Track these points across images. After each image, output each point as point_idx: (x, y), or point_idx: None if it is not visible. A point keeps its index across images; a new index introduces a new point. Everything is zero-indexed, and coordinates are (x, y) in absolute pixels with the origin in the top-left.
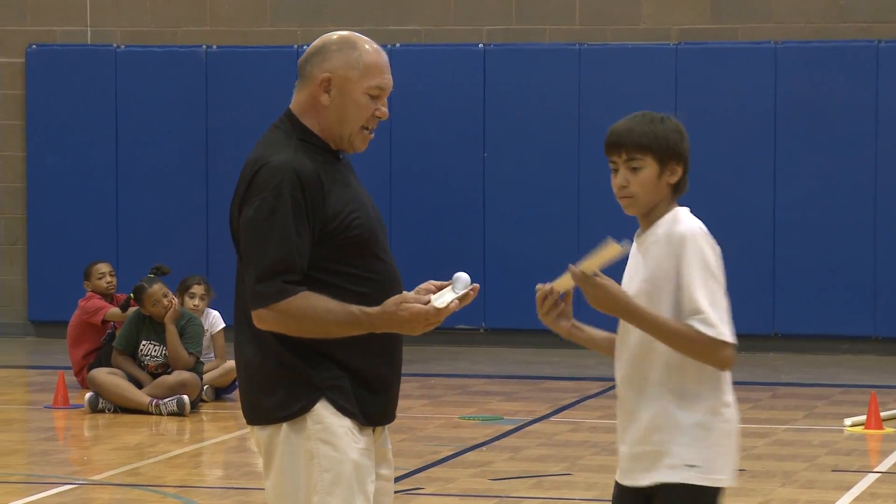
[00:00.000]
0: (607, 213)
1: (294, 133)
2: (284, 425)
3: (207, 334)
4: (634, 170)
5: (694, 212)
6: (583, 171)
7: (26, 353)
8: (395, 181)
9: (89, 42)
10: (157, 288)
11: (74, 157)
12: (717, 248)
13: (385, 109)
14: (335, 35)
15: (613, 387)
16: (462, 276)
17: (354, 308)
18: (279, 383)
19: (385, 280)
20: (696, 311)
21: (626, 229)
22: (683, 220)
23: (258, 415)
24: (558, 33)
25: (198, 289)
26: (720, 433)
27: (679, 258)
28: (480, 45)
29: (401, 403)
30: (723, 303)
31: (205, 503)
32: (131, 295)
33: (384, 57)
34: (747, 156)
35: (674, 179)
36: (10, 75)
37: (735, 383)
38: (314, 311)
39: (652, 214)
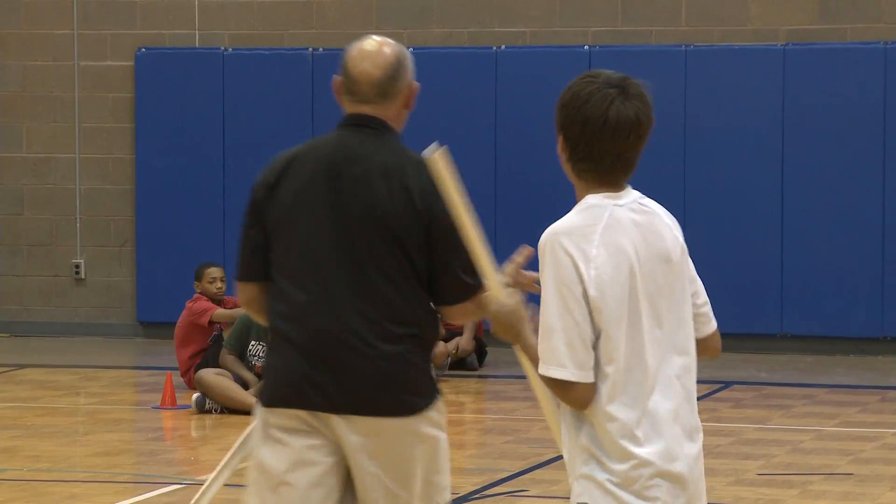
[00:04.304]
0: (713, 213)
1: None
2: (422, 415)
3: None
4: None
5: (801, 212)
6: (688, 174)
7: (135, 353)
8: (499, 183)
9: (197, 45)
10: None
11: (183, 160)
12: (573, 247)
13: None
14: None
15: (719, 389)
16: None
17: None
18: (424, 377)
19: None
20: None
21: (728, 230)
22: (566, 216)
23: (404, 407)
24: (664, 34)
25: None
26: None
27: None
28: (586, 47)
29: (505, 405)
30: (558, 331)
31: None
32: None
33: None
34: (856, 157)
35: (562, 155)
36: (120, 78)
37: (844, 386)
38: None
39: None
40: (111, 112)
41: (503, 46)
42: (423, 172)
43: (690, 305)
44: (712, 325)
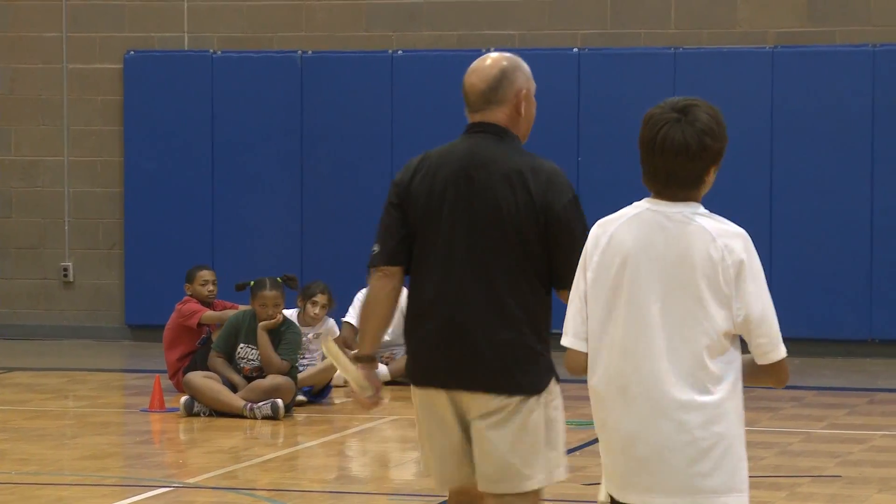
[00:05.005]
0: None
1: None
2: (537, 395)
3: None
4: None
5: (790, 215)
6: None
7: (123, 356)
8: None
9: (186, 48)
10: (274, 295)
11: (171, 162)
12: (594, 235)
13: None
14: None
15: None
16: None
17: None
18: (541, 361)
19: None
20: None
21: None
22: None
23: (521, 387)
24: (653, 37)
25: (321, 298)
26: None
27: None
28: (575, 50)
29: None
30: (571, 302)
31: None
32: (251, 283)
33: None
34: (844, 160)
35: None
36: (109, 81)
37: (832, 389)
38: None
39: None
40: (100, 115)
41: (492, 49)
42: (538, 175)
43: (719, 319)
44: (768, 358)
